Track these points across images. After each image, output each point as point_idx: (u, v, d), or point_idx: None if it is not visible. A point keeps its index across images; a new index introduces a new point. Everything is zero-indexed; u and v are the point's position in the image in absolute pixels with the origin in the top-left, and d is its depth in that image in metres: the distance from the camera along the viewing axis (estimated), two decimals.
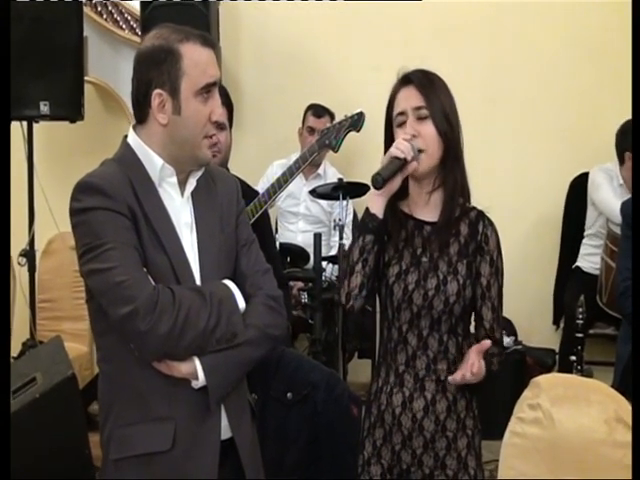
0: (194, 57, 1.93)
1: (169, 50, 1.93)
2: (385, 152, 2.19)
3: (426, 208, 2.20)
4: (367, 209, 2.15)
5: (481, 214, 2.21)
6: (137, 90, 1.98)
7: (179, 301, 1.87)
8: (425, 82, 2.14)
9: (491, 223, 2.20)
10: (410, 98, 2.14)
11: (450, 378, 2.06)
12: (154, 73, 1.94)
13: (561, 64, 5.01)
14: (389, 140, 2.19)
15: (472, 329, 2.23)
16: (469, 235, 2.17)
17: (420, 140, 2.11)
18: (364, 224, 2.14)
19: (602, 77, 4.96)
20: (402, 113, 2.14)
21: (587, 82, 4.99)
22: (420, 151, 2.11)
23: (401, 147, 2.08)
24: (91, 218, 1.88)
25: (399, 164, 2.08)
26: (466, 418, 2.17)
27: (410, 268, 2.15)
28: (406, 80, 2.16)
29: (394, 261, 2.17)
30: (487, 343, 2.06)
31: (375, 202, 2.13)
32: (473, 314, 2.22)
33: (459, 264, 2.15)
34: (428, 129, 2.12)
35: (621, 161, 4.36)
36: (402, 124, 2.14)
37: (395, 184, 2.12)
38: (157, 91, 1.93)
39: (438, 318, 2.13)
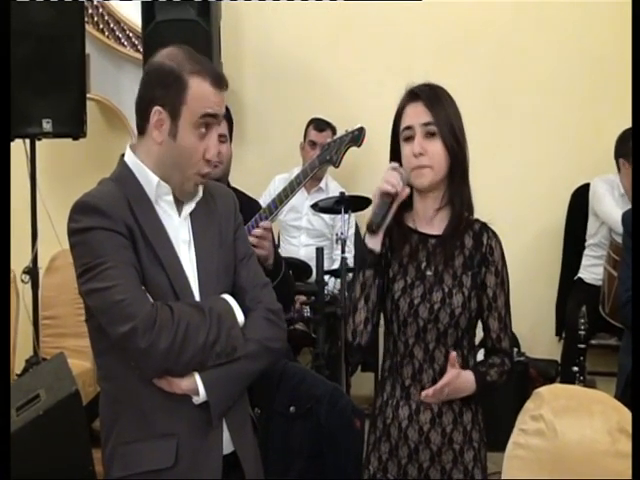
0: (199, 91, 1.94)
1: (178, 77, 1.94)
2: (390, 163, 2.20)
3: (431, 223, 2.21)
4: (365, 244, 2.15)
5: (485, 226, 2.22)
6: (140, 102, 2.00)
7: (178, 317, 1.87)
8: (433, 97, 2.14)
9: (495, 235, 2.21)
10: (418, 114, 2.13)
11: (423, 394, 2.07)
12: (158, 92, 1.95)
13: (562, 76, 5.03)
14: (395, 153, 2.20)
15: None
16: (474, 247, 2.18)
17: (427, 157, 2.11)
18: (362, 260, 2.15)
19: (602, 88, 4.97)
20: (409, 128, 2.14)
21: (588, 93, 5.01)
22: (424, 166, 2.12)
23: (391, 180, 2.09)
24: (89, 238, 1.89)
25: (389, 202, 2.10)
26: (472, 431, 2.18)
27: (415, 282, 2.15)
28: (414, 95, 2.16)
29: (399, 276, 2.17)
30: (453, 355, 2.06)
31: (372, 238, 2.13)
32: (480, 325, 2.22)
33: (464, 276, 2.15)
34: (436, 147, 2.12)
35: (618, 168, 4.39)
36: (409, 139, 2.14)
37: (389, 219, 2.14)
38: (157, 108, 1.95)
39: (444, 331, 2.13)
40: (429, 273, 2.16)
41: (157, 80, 1.97)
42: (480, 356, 2.24)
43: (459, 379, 2.07)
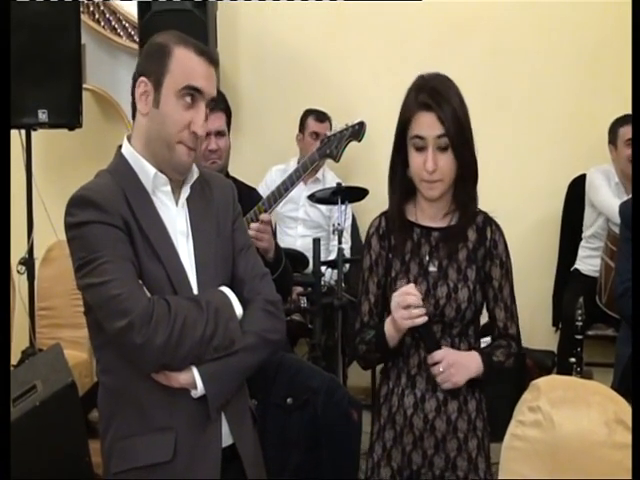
0: (183, 60, 1.95)
1: (162, 47, 1.95)
2: (392, 162, 2.19)
3: (434, 218, 2.21)
4: (384, 333, 2.13)
5: (488, 219, 2.22)
6: (132, 81, 2.00)
7: (175, 312, 1.86)
8: (444, 105, 2.07)
9: (498, 227, 2.21)
10: (431, 125, 2.09)
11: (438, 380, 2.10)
12: (144, 64, 1.97)
13: (557, 67, 5.02)
14: (398, 155, 2.18)
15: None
16: (477, 241, 2.18)
17: (439, 172, 2.10)
18: (379, 347, 2.16)
19: (598, 79, 4.97)
20: (421, 137, 2.10)
21: (583, 84, 5.01)
22: (435, 181, 2.11)
23: (416, 311, 2.05)
24: (86, 232, 1.88)
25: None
26: (476, 419, 2.20)
27: (418, 279, 2.14)
28: (425, 105, 2.09)
29: (401, 275, 2.17)
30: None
31: (394, 334, 2.12)
32: (486, 314, 2.23)
33: (468, 270, 2.15)
34: (448, 160, 2.10)
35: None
36: (421, 149, 2.10)
37: None
38: (142, 79, 1.96)
39: (450, 323, 2.15)
40: (432, 269, 2.16)
41: (144, 55, 2.00)
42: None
43: (454, 354, 2.10)
